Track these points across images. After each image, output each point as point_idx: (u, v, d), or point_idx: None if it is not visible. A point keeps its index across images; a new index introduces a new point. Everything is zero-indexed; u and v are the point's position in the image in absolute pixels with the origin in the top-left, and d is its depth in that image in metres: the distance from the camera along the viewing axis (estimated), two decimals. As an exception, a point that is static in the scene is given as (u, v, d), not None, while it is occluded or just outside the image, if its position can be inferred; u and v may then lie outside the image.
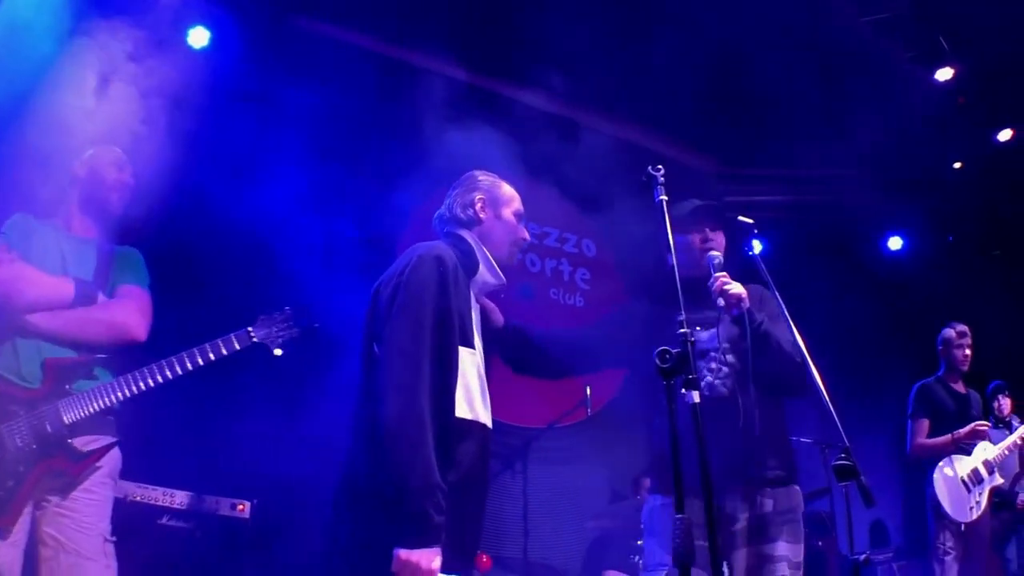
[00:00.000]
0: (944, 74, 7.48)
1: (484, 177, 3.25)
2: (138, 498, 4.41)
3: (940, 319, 6.83)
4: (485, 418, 2.91)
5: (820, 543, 6.96)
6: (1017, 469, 6.82)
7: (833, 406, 2.98)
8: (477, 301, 3.05)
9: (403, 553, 2.52)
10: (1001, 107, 8.03)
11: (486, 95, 6.87)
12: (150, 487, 4.48)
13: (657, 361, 2.71)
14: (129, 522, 4.27)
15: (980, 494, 6.07)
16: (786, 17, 6.74)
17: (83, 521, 3.34)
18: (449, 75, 6.74)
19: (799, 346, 3.47)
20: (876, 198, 8.76)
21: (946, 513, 5.98)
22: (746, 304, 3.40)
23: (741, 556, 3.39)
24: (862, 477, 2.94)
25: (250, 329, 3.70)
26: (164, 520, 4.50)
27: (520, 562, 5.66)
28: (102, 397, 3.40)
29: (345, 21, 6.63)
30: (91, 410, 3.37)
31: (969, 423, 6.20)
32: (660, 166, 3.13)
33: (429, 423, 2.63)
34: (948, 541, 5.98)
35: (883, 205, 8.91)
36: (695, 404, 2.68)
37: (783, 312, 3.60)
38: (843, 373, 7.82)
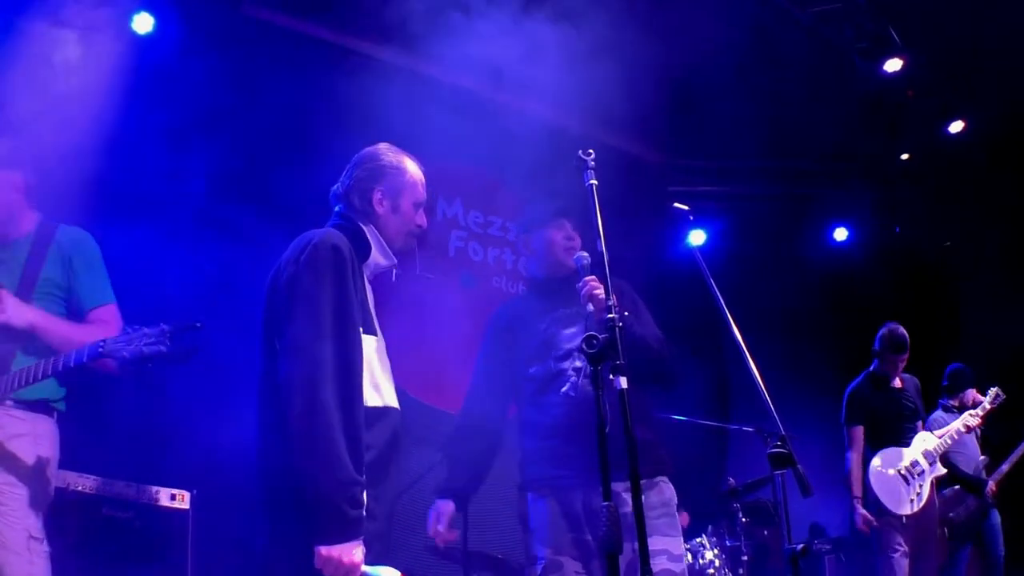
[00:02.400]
0: (893, 65, 7.74)
1: (389, 160, 3.26)
2: (80, 488, 4.54)
3: (886, 311, 7.08)
4: (393, 402, 3.02)
5: (766, 532, 7.16)
6: (980, 456, 7.15)
7: (773, 396, 3.12)
8: (369, 282, 3.14)
9: (323, 550, 2.62)
10: (952, 98, 8.35)
11: (427, 81, 7.10)
12: (90, 477, 4.60)
13: (584, 347, 2.83)
14: (70, 512, 4.44)
15: (921, 486, 6.21)
16: (729, 7, 7.05)
17: (8, 515, 3.49)
18: (390, 60, 6.97)
19: (665, 341, 3.78)
20: (822, 189, 9.12)
21: (886, 508, 6.13)
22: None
23: (628, 549, 3.48)
24: (799, 466, 3.10)
25: (102, 341, 3.48)
26: (104, 510, 4.61)
27: (459, 551, 5.85)
28: None
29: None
30: None
31: (905, 420, 6.42)
32: (591, 150, 3.22)
33: (337, 417, 2.69)
34: (893, 537, 6.13)
35: (829, 196, 9.28)
36: (623, 391, 2.80)
37: (645, 308, 3.93)
38: (786, 364, 8.15)
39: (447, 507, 3.99)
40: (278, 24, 6.81)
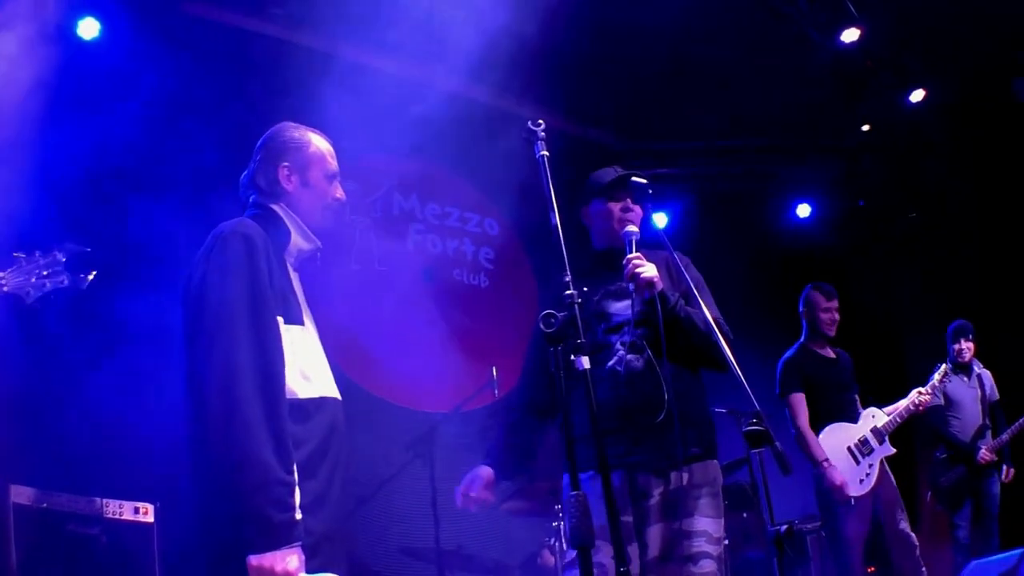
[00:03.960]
0: (850, 35, 7.73)
1: (291, 135, 3.18)
2: (44, 504, 4.55)
3: (853, 286, 7.19)
4: (331, 391, 2.95)
5: (745, 515, 7.11)
6: (980, 421, 7.16)
7: (746, 375, 3.16)
8: (295, 270, 3.08)
9: (253, 559, 2.52)
10: (911, 67, 8.43)
11: (380, 76, 7.18)
12: (55, 493, 4.62)
13: (541, 325, 2.77)
14: (35, 529, 4.49)
15: (871, 465, 6.06)
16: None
17: None
18: (340, 55, 7.04)
19: (719, 321, 3.67)
20: (783, 166, 9.27)
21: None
22: (658, 287, 3.54)
23: (656, 531, 3.55)
24: (776, 443, 3.16)
25: (1, 276, 3.14)
26: (69, 526, 4.62)
27: (433, 551, 5.91)
28: None
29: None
30: None
31: (844, 391, 6.27)
32: (540, 121, 3.13)
33: (256, 416, 2.61)
34: (842, 517, 5.97)
35: (790, 173, 9.43)
36: (586, 371, 2.78)
37: (702, 283, 3.85)
38: (754, 343, 8.31)
39: (485, 471, 3.85)
40: (221, 22, 6.84)
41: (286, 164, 3.11)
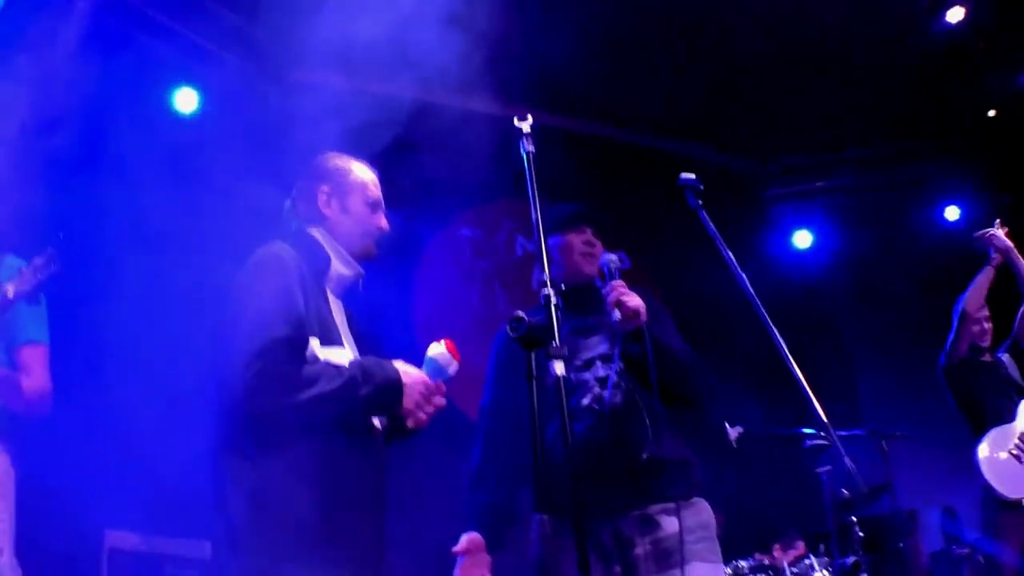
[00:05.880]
0: (955, 15, 7.53)
1: (332, 163, 3.26)
2: (143, 548, 4.95)
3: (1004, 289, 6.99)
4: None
5: (901, 545, 7.03)
6: None
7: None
8: (337, 297, 3.14)
9: (406, 405, 2.85)
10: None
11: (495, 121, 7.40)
12: (154, 537, 5.02)
13: (509, 331, 2.64)
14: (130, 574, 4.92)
15: None
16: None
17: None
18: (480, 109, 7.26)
19: (693, 354, 3.59)
20: (921, 170, 9.10)
21: (1000, 495, 5.83)
22: (644, 318, 3.35)
23: None
24: (846, 458, 2.97)
25: (8, 288, 3.26)
26: (168, 569, 5.00)
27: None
28: None
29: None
30: None
31: (1010, 387, 6.18)
32: (528, 115, 3.02)
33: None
34: (1009, 527, 5.86)
35: (930, 175, 9.22)
36: (560, 377, 2.61)
37: (670, 319, 3.74)
38: (919, 358, 8.14)
39: (474, 539, 3.55)
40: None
41: (325, 188, 3.20)
